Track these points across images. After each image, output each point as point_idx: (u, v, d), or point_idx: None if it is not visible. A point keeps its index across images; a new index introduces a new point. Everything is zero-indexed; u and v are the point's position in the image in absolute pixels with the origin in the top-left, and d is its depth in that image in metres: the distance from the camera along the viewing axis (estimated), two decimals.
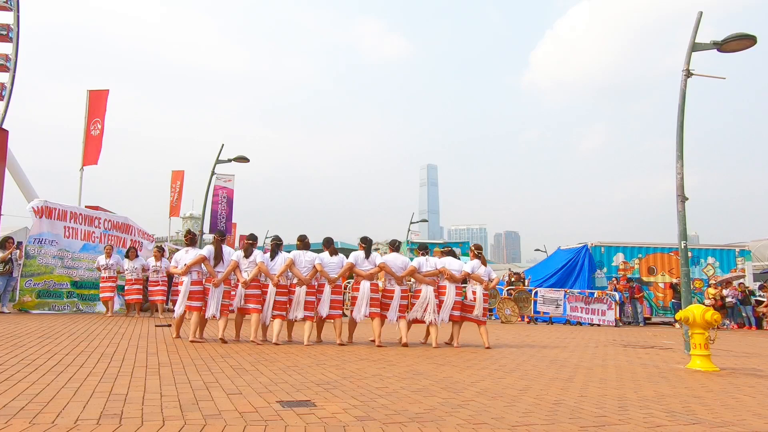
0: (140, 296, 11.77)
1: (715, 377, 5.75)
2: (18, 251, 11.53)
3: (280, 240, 7.72)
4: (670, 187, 8.78)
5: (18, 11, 18.27)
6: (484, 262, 8.10)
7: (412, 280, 8.10)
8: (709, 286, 17.05)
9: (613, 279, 16.79)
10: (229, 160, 17.61)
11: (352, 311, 7.65)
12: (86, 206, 15.00)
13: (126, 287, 11.72)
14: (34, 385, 3.75)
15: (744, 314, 16.72)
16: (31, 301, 11.38)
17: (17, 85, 18.57)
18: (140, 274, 11.74)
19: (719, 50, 8.17)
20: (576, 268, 17.38)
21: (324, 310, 7.43)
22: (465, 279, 8.06)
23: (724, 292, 16.69)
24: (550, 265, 19.06)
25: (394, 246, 8.05)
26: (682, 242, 8.23)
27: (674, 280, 16.91)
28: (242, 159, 17.34)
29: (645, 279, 17.34)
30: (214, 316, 7.30)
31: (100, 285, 11.59)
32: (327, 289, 7.47)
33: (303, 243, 7.72)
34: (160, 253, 12.07)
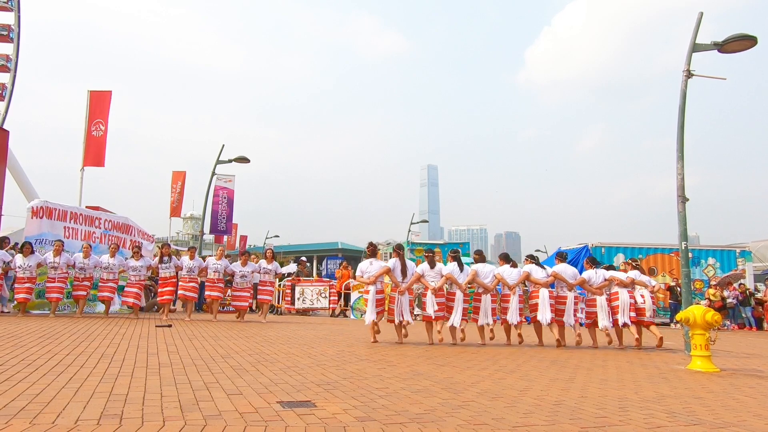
0: (29, 296, 10.86)
1: (715, 378, 5.75)
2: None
3: (459, 251, 8.85)
4: (670, 187, 8.82)
5: (19, 11, 18.31)
6: (643, 272, 9.33)
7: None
8: (710, 286, 17.03)
9: None
10: (230, 161, 17.58)
11: (535, 316, 8.65)
12: (86, 206, 15.01)
13: (16, 285, 10.91)
14: (35, 385, 3.75)
15: (744, 315, 16.70)
16: (31, 302, 11.37)
17: (18, 85, 18.62)
18: (34, 272, 10.89)
19: (719, 51, 8.16)
20: (576, 269, 17.36)
21: (514, 317, 8.53)
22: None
23: (725, 293, 16.67)
24: (550, 265, 19.01)
25: (561, 257, 9.55)
26: (683, 243, 8.23)
27: (671, 282, 16.88)
28: (242, 159, 17.30)
29: None
30: (401, 321, 7.93)
31: None
32: (514, 298, 8.59)
33: (480, 257, 8.98)
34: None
